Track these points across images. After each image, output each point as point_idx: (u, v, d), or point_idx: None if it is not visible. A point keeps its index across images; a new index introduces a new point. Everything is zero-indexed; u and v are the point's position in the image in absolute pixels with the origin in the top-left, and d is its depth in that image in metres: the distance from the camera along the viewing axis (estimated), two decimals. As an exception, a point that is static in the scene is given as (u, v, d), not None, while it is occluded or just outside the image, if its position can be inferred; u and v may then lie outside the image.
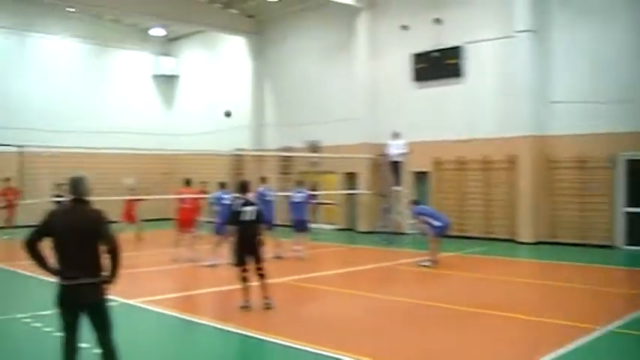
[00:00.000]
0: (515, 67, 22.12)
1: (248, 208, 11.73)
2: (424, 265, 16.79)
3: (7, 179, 21.72)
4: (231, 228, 11.83)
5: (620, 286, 14.79)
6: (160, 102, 37.50)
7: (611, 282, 15.14)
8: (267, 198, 18.69)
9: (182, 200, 18.64)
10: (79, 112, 32.33)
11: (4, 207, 24.00)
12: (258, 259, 11.75)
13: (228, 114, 23.19)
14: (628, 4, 20.39)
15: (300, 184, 20.00)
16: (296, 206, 19.12)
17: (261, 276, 11.74)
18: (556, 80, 21.67)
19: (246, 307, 11.47)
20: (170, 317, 11.31)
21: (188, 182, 19.14)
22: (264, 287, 11.72)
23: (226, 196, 17.76)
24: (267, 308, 11.53)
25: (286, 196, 20.56)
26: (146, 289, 13.95)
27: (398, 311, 11.83)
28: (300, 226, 19.06)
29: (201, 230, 19.68)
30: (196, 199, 19.37)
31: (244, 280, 11.57)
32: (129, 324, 10.07)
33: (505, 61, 22.67)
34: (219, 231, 17.41)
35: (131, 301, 11.96)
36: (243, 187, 12.25)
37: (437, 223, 17.05)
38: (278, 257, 18.06)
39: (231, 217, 11.83)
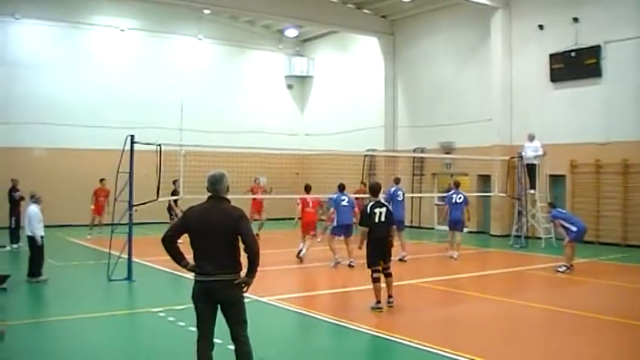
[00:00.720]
0: (659, 67, 21.30)
1: (379, 210, 11.90)
2: (560, 271, 16.45)
3: (102, 180, 22.84)
4: (363, 229, 11.95)
5: None
6: (294, 102, 38.22)
7: None
8: (399, 198, 18.93)
9: (305, 204, 19.04)
10: (213, 112, 33.51)
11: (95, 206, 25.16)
12: (387, 259, 11.98)
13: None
14: None
15: (457, 185, 20.42)
16: (456, 207, 19.55)
17: (388, 275, 11.95)
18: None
19: (378, 308, 11.61)
20: (300, 315, 11.60)
21: (308, 188, 19.50)
22: (389, 286, 11.92)
23: (345, 197, 17.99)
24: (390, 306, 11.73)
25: (444, 197, 21.27)
26: (275, 287, 14.25)
27: (530, 317, 11.71)
28: (456, 226, 19.62)
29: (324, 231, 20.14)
30: (318, 202, 19.76)
31: (377, 280, 11.73)
32: (262, 321, 10.37)
33: (647, 60, 21.86)
34: (335, 232, 17.83)
35: (263, 299, 12.26)
36: (374, 189, 12.45)
37: (573, 228, 16.72)
38: (402, 260, 18.14)
39: (364, 218, 11.98)
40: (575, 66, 23.79)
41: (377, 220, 11.81)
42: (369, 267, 11.89)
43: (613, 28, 22.85)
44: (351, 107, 34.31)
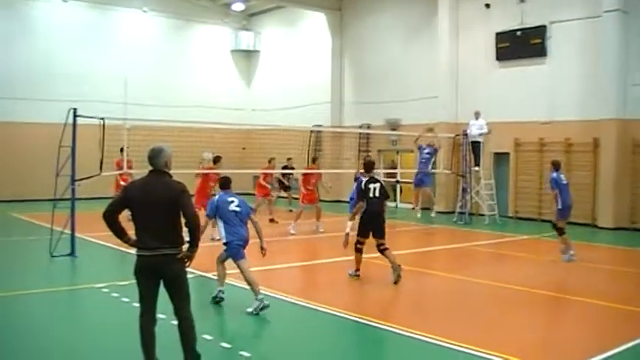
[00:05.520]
0: (602, 48, 21.62)
1: (373, 185, 12.38)
2: (566, 260, 15.15)
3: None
4: (360, 204, 12.49)
5: None
6: (239, 77, 37.85)
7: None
8: None
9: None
10: (158, 86, 32.85)
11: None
12: (381, 235, 12.43)
13: None
14: None
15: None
16: None
17: (383, 250, 12.46)
18: (643, 62, 21.20)
19: (356, 275, 12.50)
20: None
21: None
22: (390, 259, 12.37)
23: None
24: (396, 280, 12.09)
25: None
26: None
27: (474, 293, 11.83)
28: None
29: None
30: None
31: (359, 251, 12.43)
32: (206, 296, 10.29)
33: (591, 41, 22.15)
34: None
35: (208, 274, 12.02)
36: (369, 166, 12.94)
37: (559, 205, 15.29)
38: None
39: (359, 193, 12.61)
40: (521, 45, 24.03)
41: (371, 195, 12.25)
42: (357, 237, 12.39)
43: (558, 9, 23.14)
44: (297, 83, 34.16)
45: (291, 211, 25.46)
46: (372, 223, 12.26)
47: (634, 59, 21.25)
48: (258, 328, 9.25)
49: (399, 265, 12.13)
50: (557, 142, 22.96)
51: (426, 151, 22.23)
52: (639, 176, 21.20)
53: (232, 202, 10.05)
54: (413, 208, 23.06)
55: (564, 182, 15.06)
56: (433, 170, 23.49)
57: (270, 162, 22.51)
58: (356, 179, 15.57)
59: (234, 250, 9.88)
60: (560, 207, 14.90)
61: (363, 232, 12.33)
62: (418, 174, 22.54)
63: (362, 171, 13.98)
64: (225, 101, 34.80)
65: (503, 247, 17.79)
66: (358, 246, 12.33)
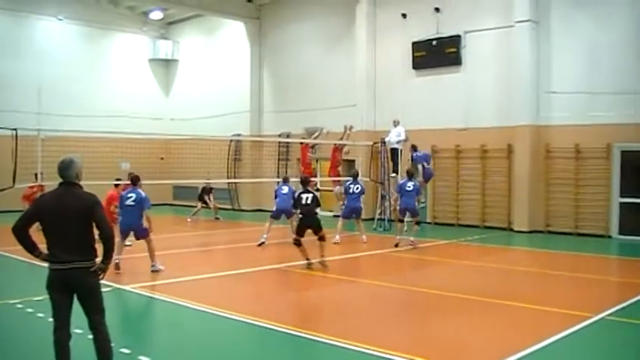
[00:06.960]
0: (514, 56, 22.26)
1: (305, 195, 15.01)
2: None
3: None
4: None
5: (614, 275, 15.04)
6: (158, 86, 37.38)
7: (605, 270, 15.41)
8: (283, 191, 19.44)
9: None
10: (74, 96, 31.93)
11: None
12: (317, 230, 14.97)
13: None
14: (626, -5, 20.52)
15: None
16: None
17: (321, 238, 14.99)
18: (554, 70, 21.83)
19: (309, 264, 14.77)
20: (166, 303, 11.31)
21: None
22: (322, 248, 15.12)
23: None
24: (324, 264, 14.85)
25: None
26: (143, 274, 14.03)
27: (395, 298, 11.97)
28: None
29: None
30: None
31: (298, 244, 14.74)
32: (122, 309, 10.15)
33: (504, 50, 22.77)
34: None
35: (126, 287, 11.96)
36: (303, 181, 15.73)
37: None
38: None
39: (294, 202, 15.59)
40: (437, 54, 24.50)
41: (304, 202, 14.90)
42: (295, 235, 14.93)
43: (472, 19, 23.73)
44: (217, 92, 33.95)
45: (217, 219, 26.61)
46: (307, 222, 14.79)
47: (545, 67, 21.92)
48: (177, 340, 9.12)
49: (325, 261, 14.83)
50: (473, 149, 23.47)
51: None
52: (553, 180, 21.82)
53: (130, 197, 13.78)
54: None
55: (352, 192, 20.22)
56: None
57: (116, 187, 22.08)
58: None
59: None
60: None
61: (299, 231, 14.80)
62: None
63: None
64: (143, 111, 34.23)
65: (422, 252, 18.01)
66: (296, 242, 14.66)
